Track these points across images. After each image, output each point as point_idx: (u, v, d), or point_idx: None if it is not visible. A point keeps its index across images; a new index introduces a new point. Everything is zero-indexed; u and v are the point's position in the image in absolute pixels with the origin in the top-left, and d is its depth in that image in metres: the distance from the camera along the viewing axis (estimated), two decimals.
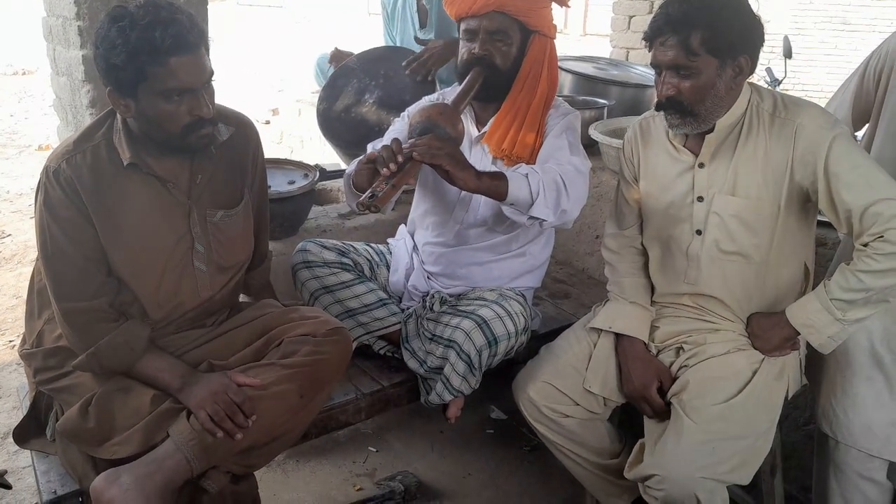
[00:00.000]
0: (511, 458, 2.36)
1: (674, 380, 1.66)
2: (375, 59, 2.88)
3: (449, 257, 1.96)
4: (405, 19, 3.13)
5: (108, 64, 1.35)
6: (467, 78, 1.83)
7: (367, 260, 2.01)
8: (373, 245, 2.09)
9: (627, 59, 4.41)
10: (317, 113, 2.87)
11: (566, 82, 3.17)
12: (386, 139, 1.99)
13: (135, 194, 1.47)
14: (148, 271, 1.50)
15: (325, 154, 3.28)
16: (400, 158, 1.55)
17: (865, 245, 1.47)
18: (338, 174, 2.67)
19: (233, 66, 9.35)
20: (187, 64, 1.36)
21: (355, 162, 1.90)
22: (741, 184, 1.59)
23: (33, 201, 1.51)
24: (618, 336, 1.75)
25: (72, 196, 1.42)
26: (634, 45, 4.52)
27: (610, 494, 1.79)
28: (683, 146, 1.67)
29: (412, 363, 1.87)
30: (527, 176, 1.65)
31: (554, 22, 1.89)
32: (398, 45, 3.19)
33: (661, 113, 1.61)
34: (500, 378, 1.96)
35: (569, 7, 1.94)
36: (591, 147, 2.54)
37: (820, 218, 1.66)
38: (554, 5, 1.93)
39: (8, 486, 1.40)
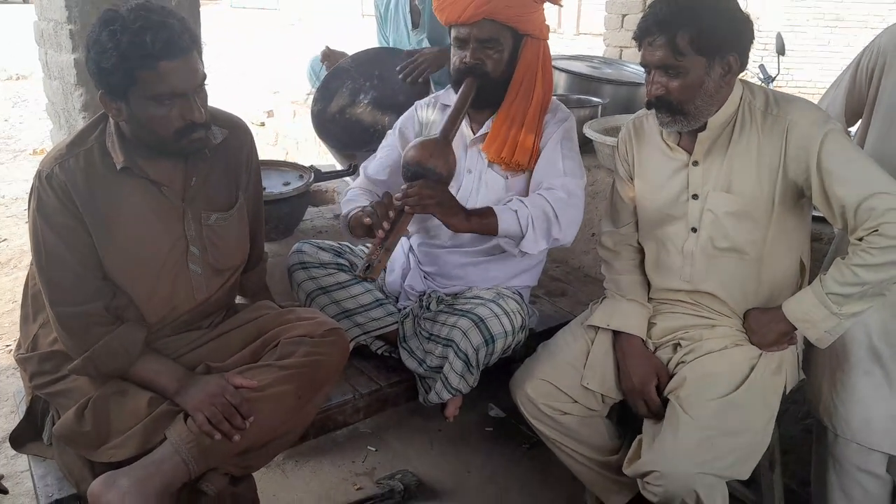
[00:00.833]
0: (510, 456, 2.36)
1: (671, 376, 1.66)
2: (369, 60, 2.88)
3: (445, 258, 1.96)
4: (398, 20, 3.13)
5: (99, 68, 1.35)
6: (460, 91, 1.81)
7: (362, 257, 2.01)
8: (369, 245, 2.09)
9: (621, 58, 4.42)
10: (311, 114, 2.87)
11: (560, 81, 3.17)
12: (378, 156, 2.02)
13: (129, 198, 1.46)
14: (143, 275, 1.50)
15: (320, 155, 3.29)
16: (392, 214, 1.64)
17: (860, 239, 1.47)
18: (333, 175, 2.66)
19: (227, 68, 9.35)
20: (178, 68, 1.36)
21: (349, 192, 1.95)
22: (735, 181, 1.59)
23: (27, 204, 1.50)
24: (616, 333, 1.75)
25: (65, 200, 1.41)
26: (628, 43, 4.53)
27: (609, 491, 1.79)
28: (677, 144, 1.67)
29: (410, 363, 1.87)
30: (516, 212, 1.70)
31: (546, 22, 1.88)
32: (391, 45, 3.19)
33: (653, 111, 1.61)
34: (499, 376, 1.96)
35: (561, 6, 1.93)
36: (585, 145, 2.55)
37: (815, 213, 1.67)
38: (547, 4, 1.93)
39: (5, 491, 1.39)
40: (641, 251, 1.81)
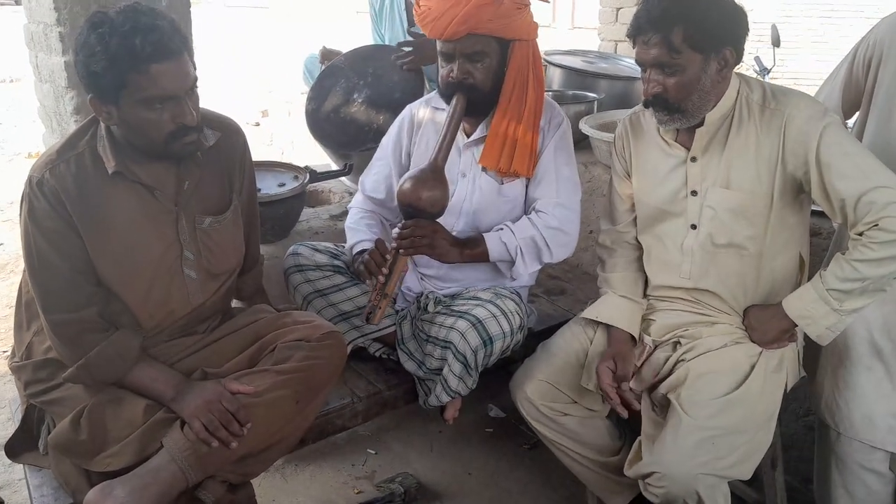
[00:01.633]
0: (511, 457, 2.35)
1: (669, 374, 1.64)
2: (363, 58, 2.86)
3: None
4: (393, 17, 3.11)
5: (89, 71, 1.32)
6: (450, 110, 1.79)
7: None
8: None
9: (616, 52, 4.39)
10: (305, 114, 2.85)
11: (555, 77, 3.15)
12: (374, 170, 2.04)
13: (121, 203, 1.44)
14: (137, 280, 1.48)
15: (316, 155, 3.26)
16: (388, 258, 1.71)
17: (860, 234, 1.46)
18: (329, 175, 2.64)
19: (221, 68, 9.30)
20: (169, 71, 1.33)
21: (350, 213, 2.02)
22: (734, 176, 1.58)
23: (19, 211, 1.48)
24: (608, 329, 1.73)
25: (56, 206, 1.39)
26: (622, 37, 4.49)
27: (611, 492, 1.78)
28: (675, 140, 1.66)
29: (409, 365, 1.86)
30: (505, 244, 1.79)
31: (534, 21, 1.84)
32: (386, 43, 3.17)
33: (650, 109, 1.59)
34: (498, 376, 1.95)
35: (547, 2, 1.90)
36: (581, 142, 2.54)
37: (813, 207, 1.65)
38: (534, 2, 1.89)
39: (1, 502, 1.38)
40: (639, 248, 1.80)
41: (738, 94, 1.58)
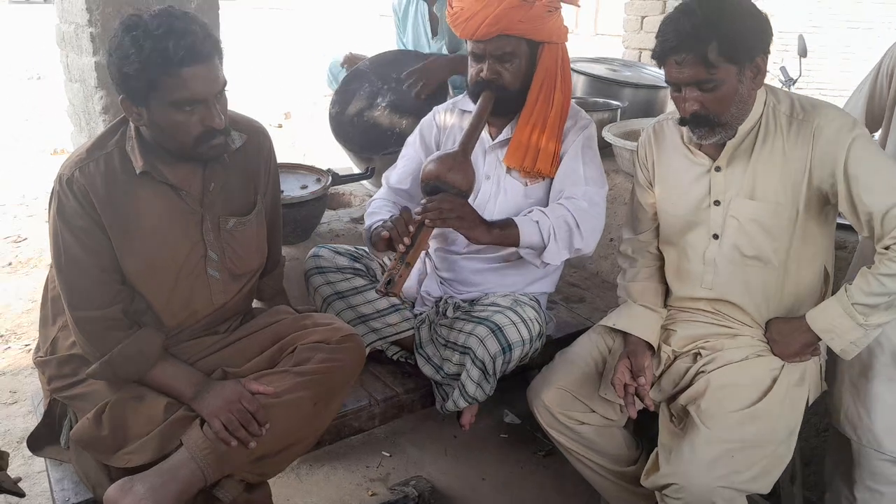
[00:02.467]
0: (525, 463, 2.34)
1: (688, 385, 1.63)
2: (387, 63, 2.88)
3: (462, 264, 1.94)
4: (417, 27, 3.12)
5: (121, 73, 1.34)
6: (477, 105, 1.80)
7: (380, 265, 2.00)
8: (390, 259, 2.07)
9: (640, 60, 4.38)
10: (329, 117, 2.87)
11: (579, 84, 3.15)
12: (399, 166, 2.02)
13: (148, 202, 1.46)
14: (161, 279, 1.50)
15: (338, 157, 3.28)
16: (412, 228, 1.63)
17: (887, 248, 1.44)
18: (351, 178, 2.66)
19: (246, 69, 9.39)
20: (199, 75, 1.35)
21: (372, 203, 1.95)
22: (759, 187, 1.57)
23: (48, 207, 1.51)
24: (625, 337, 1.73)
25: (85, 205, 1.42)
26: (647, 45, 4.49)
27: (627, 502, 1.77)
28: (699, 149, 1.65)
29: (427, 369, 1.86)
30: (537, 223, 1.70)
31: (564, 25, 1.85)
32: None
33: (676, 120, 1.58)
34: (515, 383, 1.94)
35: (579, 7, 1.90)
36: (604, 149, 2.53)
37: (840, 221, 1.64)
38: (564, 6, 1.90)
39: (21, 494, 1.40)
40: (660, 258, 1.79)
41: (764, 105, 1.56)
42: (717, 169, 1.61)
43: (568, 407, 1.72)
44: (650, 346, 1.70)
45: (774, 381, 1.57)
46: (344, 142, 2.82)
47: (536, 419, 1.78)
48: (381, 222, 1.79)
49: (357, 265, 1.94)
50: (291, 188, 2.30)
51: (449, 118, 1.99)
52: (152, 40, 1.31)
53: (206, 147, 1.43)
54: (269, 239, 1.71)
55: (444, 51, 2.95)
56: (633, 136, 2.47)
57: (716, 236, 1.63)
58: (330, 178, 2.40)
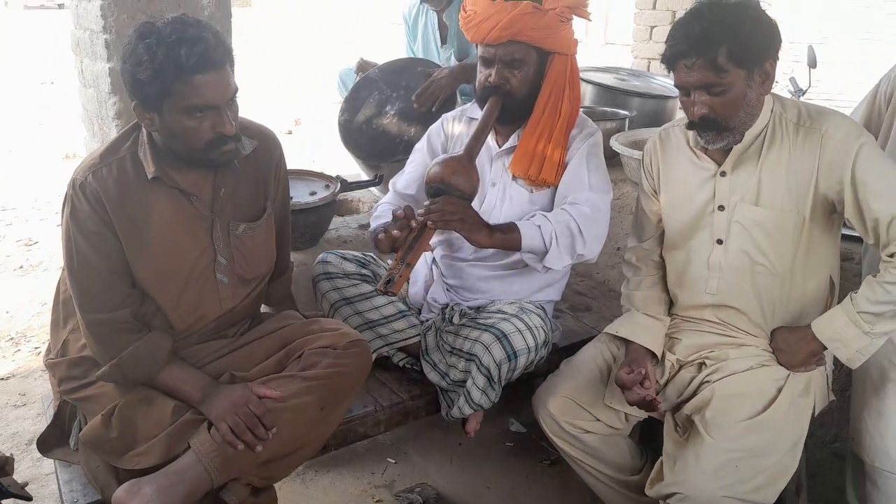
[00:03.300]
0: (530, 472, 2.34)
1: (693, 395, 1.63)
2: (397, 71, 2.90)
3: (468, 271, 1.96)
4: (427, 36, 3.15)
5: (135, 79, 1.37)
6: (484, 110, 1.82)
7: (386, 269, 2.01)
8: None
9: (649, 70, 4.39)
10: (338, 124, 2.89)
11: (587, 93, 3.16)
12: (407, 171, 2.04)
13: (159, 207, 1.48)
14: (171, 283, 1.52)
15: (347, 164, 3.30)
16: (414, 224, 1.63)
17: (892, 256, 1.45)
18: (359, 185, 2.68)
19: (258, 75, 9.45)
20: (211, 82, 1.37)
21: (378, 207, 1.96)
22: (765, 194, 1.57)
23: (60, 211, 1.53)
24: (628, 345, 1.73)
25: (97, 209, 1.44)
26: (656, 55, 4.49)
27: None
28: (705, 154, 1.65)
29: (433, 376, 1.87)
30: (539, 227, 1.71)
31: (574, 37, 1.87)
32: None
33: (683, 125, 1.59)
34: (520, 391, 1.94)
35: (590, 20, 1.92)
36: (612, 159, 2.54)
37: (846, 231, 1.64)
38: (575, 18, 1.91)
39: (28, 498, 1.41)
40: (663, 267, 1.79)
41: (771, 112, 1.57)
42: (723, 174, 1.62)
43: (573, 415, 1.72)
44: (653, 355, 1.70)
45: (779, 390, 1.57)
46: (352, 149, 2.83)
47: (541, 427, 1.78)
48: (383, 224, 1.78)
49: (364, 271, 1.95)
50: (300, 194, 2.32)
51: (457, 126, 2.01)
52: (165, 47, 1.33)
53: (217, 153, 1.45)
54: (277, 244, 1.72)
55: (453, 59, 2.97)
56: (640, 145, 2.47)
57: (720, 241, 1.64)
58: (338, 184, 2.42)
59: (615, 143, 2.53)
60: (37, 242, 4.20)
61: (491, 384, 1.74)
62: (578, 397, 1.72)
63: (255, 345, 1.62)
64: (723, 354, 1.66)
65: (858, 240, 1.80)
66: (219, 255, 1.56)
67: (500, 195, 1.91)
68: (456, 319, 1.90)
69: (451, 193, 1.68)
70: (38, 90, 9.57)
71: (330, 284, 1.92)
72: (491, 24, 1.74)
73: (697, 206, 1.66)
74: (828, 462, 2.10)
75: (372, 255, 2.03)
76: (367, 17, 16.37)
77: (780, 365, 1.62)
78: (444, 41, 3.06)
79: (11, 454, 1.48)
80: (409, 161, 2.07)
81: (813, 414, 1.63)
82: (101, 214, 1.44)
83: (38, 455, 1.73)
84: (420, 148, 2.06)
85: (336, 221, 2.58)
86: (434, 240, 1.96)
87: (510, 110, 1.84)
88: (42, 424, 1.74)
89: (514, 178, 1.88)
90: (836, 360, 1.61)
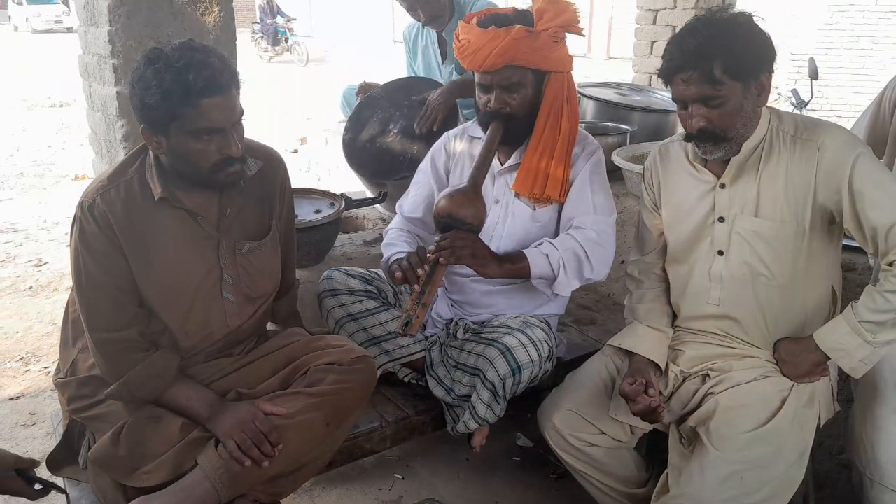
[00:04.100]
0: (538, 486, 2.34)
1: (697, 407, 1.64)
2: (399, 89, 2.93)
3: (471, 286, 1.97)
4: (427, 53, 3.18)
5: (143, 103, 1.40)
6: (486, 136, 1.84)
7: (392, 287, 2.03)
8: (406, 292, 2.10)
9: (650, 84, 4.42)
10: (342, 143, 2.92)
11: (589, 108, 3.19)
12: (411, 193, 2.06)
13: (166, 228, 1.51)
14: (178, 302, 1.54)
15: (352, 182, 3.34)
16: (427, 267, 1.67)
17: (891, 264, 1.46)
18: (364, 203, 2.71)
19: (264, 95, 9.55)
20: (218, 105, 1.40)
21: (388, 233, 2.00)
22: (764, 205, 1.59)
23: (69, 232, 1.56)
24: (631, 357, 1.73)
25: (105, 229, 1.46)
26: (657, 70, 4.53)
27: None
28: (705, 167, 1.67)
29: (438, 391, 1.88)
30: (547, 255, 1.75)
31: (569, 54, 1.88)
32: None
33: (691, 143, 1.61)
34: (527, 405, 1.95)
35: (583, 36, 1.93)
36: (613, 173, 2.56)
37: (847, 242, 1.65)
38: (570, 35, 1.93)
39: (62, 490, 1.46)
40: (666, 280, 1.81)
41: (769, 124, 1.59)
42: (722, 186, 1.63)
43: (578, 429, 1.73)
44: (656, 367, 1.71)
45: (783, 401, 1.57)
46: (357, 167, 2.86)
47: (547, 441, 1.79)
48: (397, 254, 1.85)
49: (369, 288, 1.97)
50: (305, 212, 2.35)
51: (458, 143, 2.03)
52: (173, 72, 1.36)
53: (223, 174, 1.48)
54: (283, 262, 1.75)
55: (455, 75, 3.00)
56: (642, 159, 2.49)
57: (721, 252, 1.65)
58: (343, 202, 2.45)
59: (617, 158, 2.55)
60: (46, 263, 4.24)
61: (496, 399, 1.75)
62: (583, 410, 1.73)
63: (261, 362, 1.64)
64: (726, 366, 1.67)
65: (860, 250, 1.80)
66: (225, 273, 1.58)
67: (502, 212, 1.92)
68: (460, 334, 1.91)
69: (460, 227, 1.71)
70: (48, 112, 9.69)
71: (335, 301, 1.94)
72: (486, 53, 1.75)
73: (698, 218, 1.67)
74: (836, 473, 2.09)
75: (377, 271, 2.05)
76: (371, 36, 16.52)
77: (784, 376, 1.62)
78: (444, 57, 3.10)
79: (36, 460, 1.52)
80: (413, 181, 2.09)
81: (818, 425, 1.62)
82: (108, 235, 1.47)
83: (48, 474, 1.75)
84: (424, 169, 2.08)
85: (341, 238, 2.60)
86: None
87: (512, 130, 1.86)
88: (51, 443, 1.76)
89: (516, 195, 1.90)
90: (840, 371, 1.61)
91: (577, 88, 3.10)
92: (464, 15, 2.24)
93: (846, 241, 1.66)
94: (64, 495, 1.64)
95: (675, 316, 1.81)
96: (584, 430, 1.73)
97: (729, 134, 1.54)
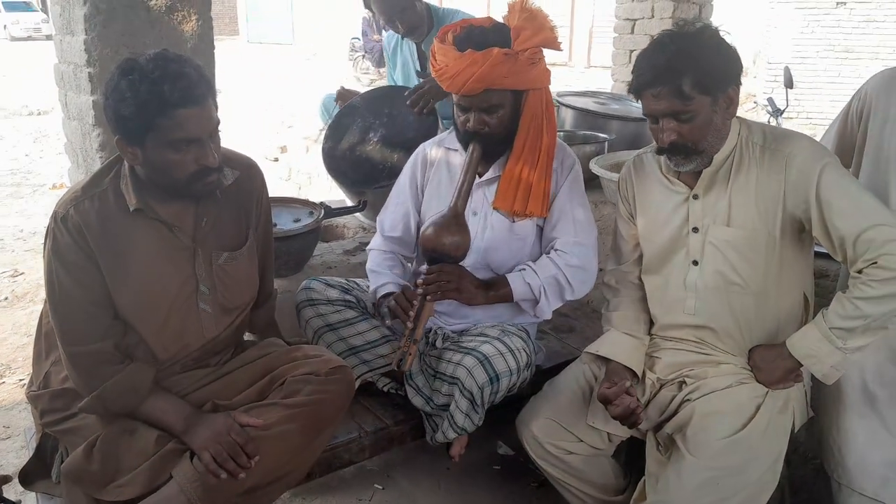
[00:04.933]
0: (519, 495, 2.34)
1: (674, 414, 1.65)
2: (379, 98, 2.94)
3: None
4: (406, 63, 3.19)
5: (118, 115, 1.39)
6: (466, 158, 1.84)
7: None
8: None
9: (628, 93, 4.45)
10: (322, 152, 2.92)
11: (567, 117, 3.21)
12: (390, 209, 2.07)
13: (141, 239, 1.50)
14: (153, 314, 1.52)
15: (332, 190, 3.33)
16: (416, 303, 1.75)
17: (860, 272, 1.48)
18: (343, 211, 2.70)
19: (243, 103, 9.51)
20: (194, 116, 1.40)
21: (371, 256, 2.04)
22: (736, 215, 1.61)
23: (43, 244, 1.54)
24: (608, 364, 1.74)
25: (79, 241, 1.45)
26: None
27: None
28: (678, 179, 1.69)
29: (417, 400, 1.88)
30: (529, 284, 1.82)
31: (547, 68, 1.87)
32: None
33: (664, 156, 1.63)
34: (508, 413, 1.95)
35: (560, 51, 1.94)
36: (592, 181, 2.58)
37: (819, 249, 1.67)
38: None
39: None
40: (642, 288, 1.82)
41: (738, 135, 1.62)
42: (695, 197, 1.65)
43: (556, 437, 1.73)
44: (633, 374, 1.72)
45: (758, 408, 1.59)
46: (336, 176, 2.86)
47: (525, 450, 1.79)
48: (384, 287, 1.90)
49: (348, 297, 1.96)
50: (284, 221, 2.34)
51: (435, 154, 2.03)
52: (148, 83, 1.35)
53: (200, 184, 1.47)
54: (260, 272, 1.74)
55: None
56: (620, 168, 2.50)
57: (695, 262, 1.67)
58: (322, 211, 2.44)
59: (595, 167, 2.57)
60: (23, 273, 4.18)
61: (474, 407, 1.75)
62: (561, 418, 1.74)
63: (237, 373, 1.63)
64: (702, 373, 1.68)
65: (832, 257, 1.83)
66: (201, 284, 1.57)
67: (481, 224, 1.93)
68: (439, 343, 1.91)
69: (444, 260, 1.76)
70: (26, 121, 9.58)
71: (313, 311, 1.93)
72: (464, 78, 1.74)
73: (672, 229, 1.69)
74: (811, 478, 2.11)
75: (356, 280, 2.05)
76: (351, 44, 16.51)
77: (759, 383, 1.64)
78: (423, 68, 3.11)
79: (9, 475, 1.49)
80: (392, 194, 2.09)
81: (792, 430, 1.65)
82: (82, 247, 1.45)
83: (21, 489, 1.72)
84: (402, 184, 2.07)
85: (321, 247, 2.59)
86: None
87: (492, 148, 1.87)
88: (25, 457, 1.73)
89: (495, 207, 1.91)
90: (813, 377, 1.63)
91: (556, 98, 3.13)
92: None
93: (818, 248, 1.68)
94: None
95: (651, 323, 1.82)
96: (562, 437, 1.73)
97: (700, 147, 1.56)
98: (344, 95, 3.11)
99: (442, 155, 2.01)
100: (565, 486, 1.77)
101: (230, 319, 1.65)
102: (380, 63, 12.79)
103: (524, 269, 1.84)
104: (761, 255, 1.60)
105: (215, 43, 2.40)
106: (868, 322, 1.48)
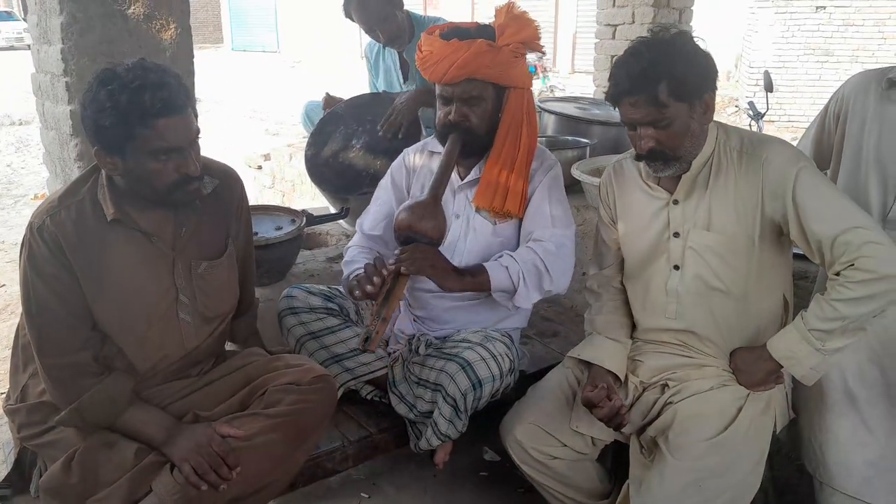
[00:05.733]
0: (506, 500, 2.33)
1: (657, 417, 1.66)
2: (362, 106, 2.94)
3: (433, 302, 1.97)
4: (388, 71, 3.20)
5: (97, 125, 1.37)
6: (445, 149, 1.85)
7: (354, 304, 2.02)
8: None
9: (605, 101, 4.48)
10: (305, 159, 2.92)
11: (549, 123, 3.22)
12: (372, 211, 2.05)
13: (119, 249, 1.48)
14: (133, 324, 1.51)
15: (316, 198, 3.33)
16: (386, 272, 1.64)
17: (837, 274, 1.49)
18: (326, 219, 2.70)
19: (227, 111, 9.48)
20: (175, 125, 1.39)
21: (348, 251, 1.98)
22: (715, 219, 1.62)
23: (19, 256, 1.52)
24: (591, 369, 1.75)
25: (56, 252, 1.43)
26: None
27: None
28: (657, 184, 1.70)
29: (401, 408, 1.87)
30: (507, 268, 1.76)
31: (529, 72, 1.90)
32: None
33: (643, 163, 1.64)
34: (494, 419, 1.95)
35: (544, 54, 1.97)
36: (573, 186, 2.59)
37: (798, 251, 1.69)
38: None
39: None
40: (624, 292, 1.83)
41: (716, 140, 1.63)
42: (675, 202, 1.66)
43: (540, 442, 1.73)
44: (616, 377, 1.73)
45: (740, 410, 1.59)
46: (319, 183, 2.86)
47: (509, 455, 1.79)
48: (356, 271, 1.82)
49: (330, 305, 1.95)
50: (266, 229, 2.33)
51: (418, 158, 2.04)
52: (128, 93, 1.34)
53: (181, 193, 1.46)
54: (241, 281, 1.72)
55: None
56: (601, 172, 2.52)
57: (677, 267, 1.68)
58: (304, 219, 2.43)
59: (576, 172, 2.58)
60: (3, 285, 4.13)
61: (457, 414, 1.75)
62: (544, 423, 1.74)
63: (218, 383, 1.62)
64: (685, 375, 1.69)
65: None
66: (181, 294, 1.56)
67: (463, 227, 1.93)
68: (422, 350, 1.91)
69: (420, 240, 1.71)
70: (7, 130, 9.49)
71: (295, 319, 1.92)
72: (447, 64, 1.77)
73: (653, 234, 1.70)
74: (795, 479, 2.12)
75: (339, 287, 2.04)
76: (337, 51, 16.51)
77: (741, 385, 1.65)
78: (406, 77, 3.11)
79: None
80: (374, 198, 2.09)
81: (774, 431, 1.66)
82: (59, 258, 1.43)
83: None
84: (384, 185, 2.07)
85: (303, 255, 2.58)
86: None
87: (471, 144, 1.87)
88: (3, 472, 1.71)
89: (477, 210, 1.91)
90: (795, 380, 1.64)
91: (538, 104, 3.14)
92: None
93: (797, 251, 1.70)
94: None
95: (634, 327, 1.83)
96: (546, 442, 1.73)
97: (678, 153, 1.57)
98: (330, 101, 3.11)
99: (425, 159, 2.02)
100: (550, 492, 1.77)
101: (211, 329, 1.63)
102: None
103: (501, 256, 1.82)
104: (741, 258, 1.61)
105: (199, 51, 2.39)
106: (846, 323, 1.50)
